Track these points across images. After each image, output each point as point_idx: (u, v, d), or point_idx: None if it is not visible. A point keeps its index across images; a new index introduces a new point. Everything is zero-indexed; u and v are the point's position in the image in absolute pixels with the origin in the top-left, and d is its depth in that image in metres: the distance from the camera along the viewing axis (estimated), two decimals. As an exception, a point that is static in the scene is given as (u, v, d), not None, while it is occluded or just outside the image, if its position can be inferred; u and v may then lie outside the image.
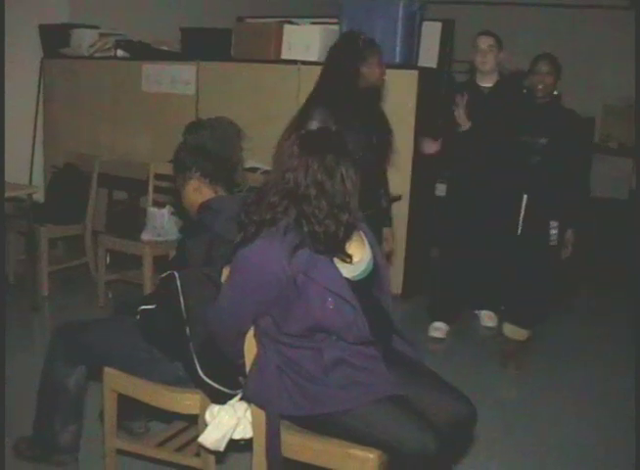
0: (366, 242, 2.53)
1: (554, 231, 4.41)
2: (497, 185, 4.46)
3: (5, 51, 5.70)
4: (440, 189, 6.51)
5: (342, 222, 2.30)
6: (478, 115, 4.49)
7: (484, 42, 4.54)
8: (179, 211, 4.06)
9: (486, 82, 4.66)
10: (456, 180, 4.82)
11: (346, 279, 2.37)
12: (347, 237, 2.36)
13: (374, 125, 3.99)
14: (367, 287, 2.50)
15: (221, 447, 2.58)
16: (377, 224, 3.83)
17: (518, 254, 4.48)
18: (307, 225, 2.27)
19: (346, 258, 2.37)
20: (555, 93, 4.46)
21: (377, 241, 2.64)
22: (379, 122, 4.05)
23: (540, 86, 4.40)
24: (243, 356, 2.53)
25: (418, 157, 5.51)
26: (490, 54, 4.54)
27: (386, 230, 4.25)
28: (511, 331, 4.59)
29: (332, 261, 2.34)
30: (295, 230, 2.28)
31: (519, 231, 4.48)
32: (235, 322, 2.46)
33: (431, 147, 4.69)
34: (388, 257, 4.69)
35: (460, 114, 4.50)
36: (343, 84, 3.95)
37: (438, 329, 4.83)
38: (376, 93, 4.12)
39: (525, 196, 4.44)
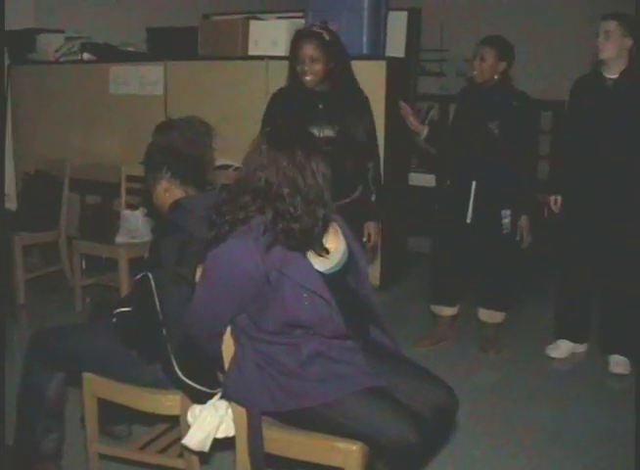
0: (340, 232, 2.53)
1: (506, 220, 4.34)
2: (615, 189, 4.16)
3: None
4: (415, 179, 6.54)
5: (318, 217, 2.29)
6: (597, 110, 4.17)
7: (601, 28, 4.08)
8: (152, 212, 4.04)
9: (611, 73, 4.14)
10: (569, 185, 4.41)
11: (320, 273, 2.36)
12: (324, 231, 2.36)
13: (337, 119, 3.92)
14: (342, 278, 2.50)
15: (206, 448, 2.58)
16: (351, 214, 3.75)
17: (471, 241, 4.42)
18: (283, 223, 2.25)
19: (323, 252, 2.36)
20: (495, 77, 4.29)
21: (352, 231, 2.62)
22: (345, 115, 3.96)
23: (475, 72, 4.31)
24: (219, 351, 2.52)
25: (390, 146, 5.51)
26: (608, 41, 4.05)
27: (369, 224, 4.09)
28: (486, 315, 4.61)
29: (305, 257, 2.33)
30: (268, 228, 2.26)
31: (468, 219, 4.39)
32: (211, 323, 2.44)
33: (417, 127, 4.44)
34: (372, 250, 4.65)
35: (411, 121, 4.39)
36: (292, 87, 3.96)
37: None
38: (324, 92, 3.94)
39: (475, 183, 4.34)
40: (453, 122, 4.70)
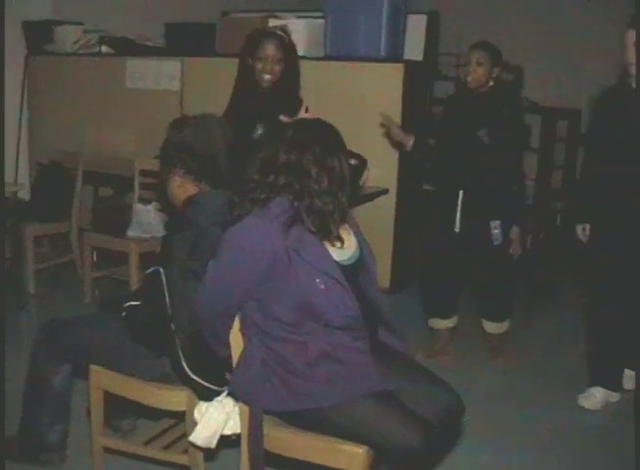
0: (352, 233, 2.55)
1: (496, 230, 4.20)
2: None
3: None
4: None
5: (339, 201, 2.35)
6: (626, 125, 3.68)
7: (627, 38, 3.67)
8: (165, 206, 4.04)
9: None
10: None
11: (336, 262, 2.40)
12: (341, 220, 2.41)
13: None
14: (355, 275, 2.52)
15: (212, 444, 2.58)
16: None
17: (460, 251, 4.31)
18: (308, 198, 2.32)
19: (337, 241, 2.39)
20: (490, 83, 4.16)
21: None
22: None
23: (470, 78, 4.14)
24: (228, 347, 2.53)
25: (404, 150, 5.50)
26: (631, 50, 3.58)
27: None
28: (490, 327, 4.53)
29: (322, 243, 2.38)
30: (288, 208, 2.32)
31: (457, 229, 4.27)
32: (222, 303, 2.45)
33: (403, 139, 4.27)
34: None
35: (395, 132, 4.24)
36: (240, 83, 3.99)
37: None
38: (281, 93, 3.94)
39: (462, 192, 4.22)
40: (440, 130, 4.52)
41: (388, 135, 4.44)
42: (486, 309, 4.55)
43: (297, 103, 3.99)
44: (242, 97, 4.02)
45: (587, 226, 4.03)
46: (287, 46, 3.94)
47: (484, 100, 4.22)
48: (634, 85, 3.69)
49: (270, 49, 3.87)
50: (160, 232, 4.72)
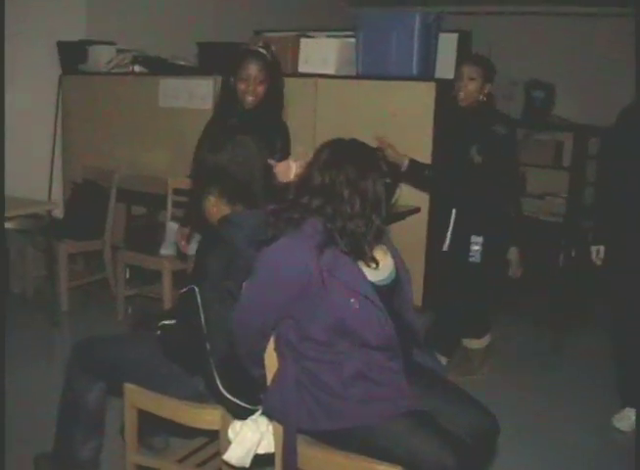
0: (389, 254, 2.55)
1: (476, 247, 4.07)
2: None
3: (24, 67, 5.81)
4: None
5: (373, 223, 2.35)
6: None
7: None
8: (197, 225, 4.03)
9: None
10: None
11: (371, 283, 2.40)
12: (375, 241, 2.41)
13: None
14: (390, 295, 2.52)
15: (247, 463, 2.58)
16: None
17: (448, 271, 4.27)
18: (340, 221, 2.32)
19: (372, 262, 2.39)
20: (481, 98, 4.08)
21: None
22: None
23: (462, 93, 4.06)
24: (262, 367, 2.54)
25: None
26: None
27: None
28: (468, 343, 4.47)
29: (356, 263, 2.38)
30: (322, 229, 2.33)
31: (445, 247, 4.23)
32: (257, 321, 2.46)
33: (398, 160, 4.12)
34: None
35: (390, 153, 4.05)
36: (223, 101, 3.95)
37: None
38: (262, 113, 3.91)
39: (455, 211, 4.17)
40: (437, 148, 4.45)
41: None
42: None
43: (280, 125, 4.00)
44: (223, 115, 3.99)
45: (602, 248, 3.94)
46: (269, 65, 3.88)
47: (473, 116, 4.12)
48: None
49: (252, 69, 3.83)
50: (193, 250, 4.73)
